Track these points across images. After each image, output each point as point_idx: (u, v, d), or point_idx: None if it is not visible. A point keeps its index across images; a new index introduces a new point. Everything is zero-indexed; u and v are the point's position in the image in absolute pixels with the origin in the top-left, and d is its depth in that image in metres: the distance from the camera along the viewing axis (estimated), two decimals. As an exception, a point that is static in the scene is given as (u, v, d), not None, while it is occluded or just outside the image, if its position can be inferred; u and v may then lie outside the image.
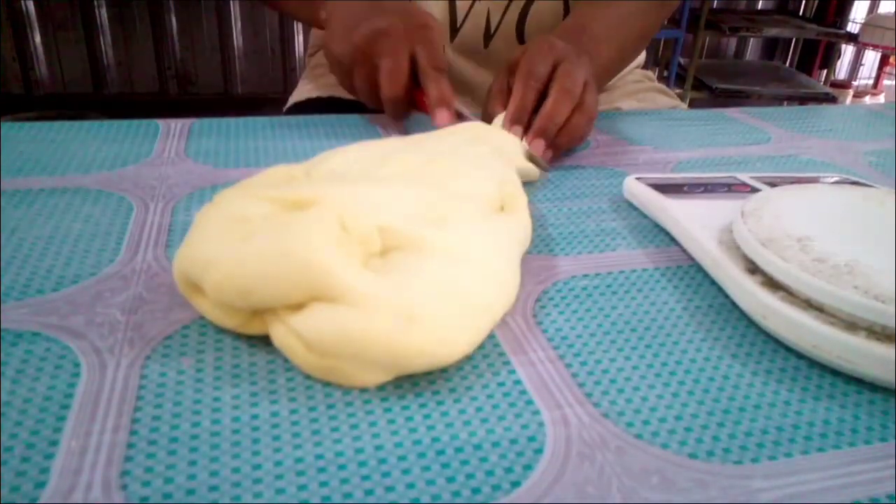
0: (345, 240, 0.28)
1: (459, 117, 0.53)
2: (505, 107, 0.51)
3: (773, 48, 3.32)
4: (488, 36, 0.73)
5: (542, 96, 0.50)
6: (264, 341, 0.28)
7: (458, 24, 0.72)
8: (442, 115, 0.51)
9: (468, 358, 0.28)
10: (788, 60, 3.32)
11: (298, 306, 0.26)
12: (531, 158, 0.48)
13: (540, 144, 0.49)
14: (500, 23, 0.72)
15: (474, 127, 0.49)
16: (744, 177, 0.45)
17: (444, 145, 0.44)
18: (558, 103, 0.49)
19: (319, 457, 0.23)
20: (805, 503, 0.22)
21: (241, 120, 0.57)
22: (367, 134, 0.56)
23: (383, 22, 0.52)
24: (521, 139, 0.49)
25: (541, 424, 0.25)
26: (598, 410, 0.26)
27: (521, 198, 0.38)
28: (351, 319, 0.25)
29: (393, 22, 0.53)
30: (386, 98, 0.53)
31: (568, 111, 0.49)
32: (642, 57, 0.85)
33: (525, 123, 0.50)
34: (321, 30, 0.60)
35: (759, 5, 3.16)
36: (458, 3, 0.71)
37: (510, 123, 0.50)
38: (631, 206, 0.45)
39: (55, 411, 0.24)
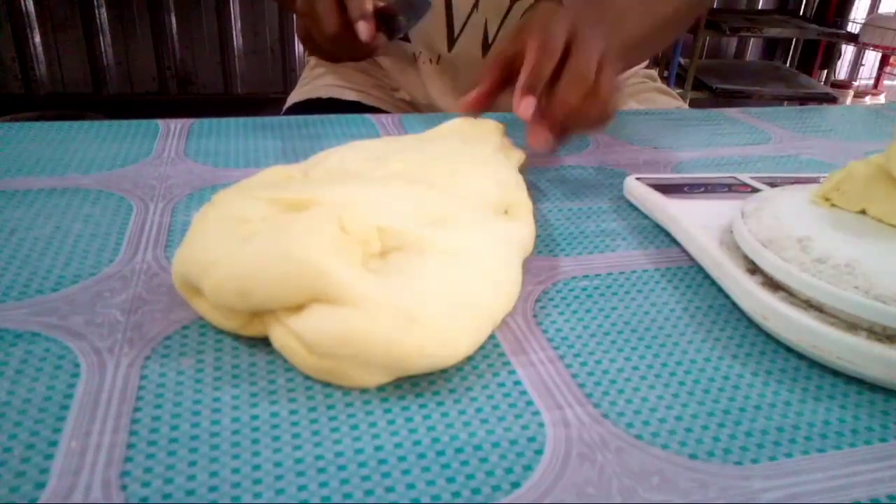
0: (344, 241, 0.28)
1: (388, 23, 0.53)
2: (501, 76, 0.48)
3: (773, 48, 3.32)
4: (486, 46, 0.72)
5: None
6: (264, 341, 0.28)
7: (456, 35, 0.72)
8: (362, 28, 0.51)
9: (468, 359, 0.28)
10: (789, 60, 3.32)
11: (298, 308, 0.26)
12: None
13: (545, 135, 0.45)
14: (497, 33, 0.72)
15: (458, 125, 0.48)
16: (744, 177, 0.45)
17: (444, 146, 0.44)
18: (568, 92, 0.45)
19: (319, 457, 0.23)
20: (805, 503, 0.22)
21: (241, 120, 0.57)
22: (367, 134, 0.56)
23: None
24: (529, 117, 0.45)
25: (541, 425, 0.25)
26: (598, 411, 0.26)
27: (526, 202, 0.38)
28: (351, 320, 0.25)
29: None
30: (329, 37, 0.53)
31: (579, 99, 0.45)
32: None
33: (538, 94, 0.45)
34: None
35: (760, 5, 3.16)
36: (455, 13, 0.71)
37: (524, 91, 0.45)
38: (631, 206, 0.45)
39: (55, 411, 0.24)
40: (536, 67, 0.45)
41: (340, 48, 0.54)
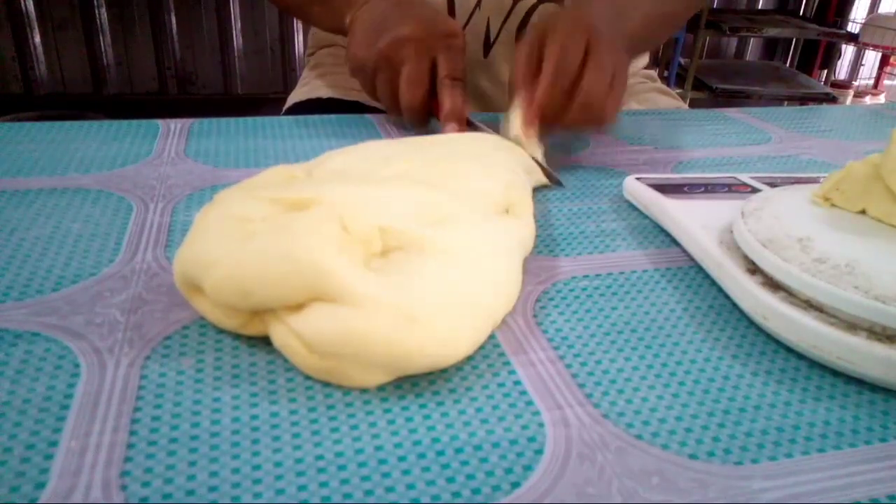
0: (345, 240, 0.28)
1: (471, 128, 0.52)
2: (533, 90, 0.48)
3: (773, 48, 3.32)
4: (487, 45, 0.72)
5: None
6: (264, 341, 0.28)
7: None
8: (451, 128, 0.51)
9: (468, 359, 0.28)
10: (789, 60, 3.32)
11: (299, 307, 0.26)
12: (546, 174, 0.47)
13: (537, 142, 0.49)
14: (499, 32, 0.71)
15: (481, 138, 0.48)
16: (744, 177, 0.45)
17: (447, 147, 0.44)
18: (576, 114, 0.47)
19: (319, 457, 0.23)
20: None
21: (241, 120, 0.57)
22: (367, 134, 0.56)
23: (407, 29, 0.52)
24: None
25: (541, 425, 0.25)
26: (598, 411, 0.26)
27: (527, 202, 0.38)
28: (351, 320, 0.25)
29: (416, 29, 0.52)
30: (405, 106, 0.53)
31: (586, 124, 0.49)
32: (645, 57, 0.85)
33: (550, 120, 0.48)
34: (343, 35, 0.60)
35: (760, 5, 3.16)
36: (457, 12, 0.71)
37: (534, 116, 0.47)
38: (631, 206, 0.45)
39: (55, 411, 0.24)
40: (551, 91, 0.47)
41: (401, 107, 0.54)
